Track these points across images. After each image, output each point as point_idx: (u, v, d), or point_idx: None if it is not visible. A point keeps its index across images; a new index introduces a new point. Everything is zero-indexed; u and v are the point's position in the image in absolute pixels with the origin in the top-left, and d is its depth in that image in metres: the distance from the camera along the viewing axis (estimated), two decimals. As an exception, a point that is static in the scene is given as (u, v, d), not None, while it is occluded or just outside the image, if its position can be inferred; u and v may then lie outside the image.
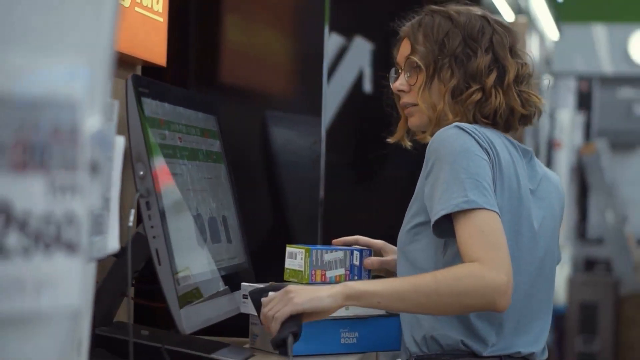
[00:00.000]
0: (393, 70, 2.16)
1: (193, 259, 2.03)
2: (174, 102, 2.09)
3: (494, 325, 1.97)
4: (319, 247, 2.24)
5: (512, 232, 1.95)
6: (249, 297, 2.04)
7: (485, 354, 1.97)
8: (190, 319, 1.95)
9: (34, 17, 0.95)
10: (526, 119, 2.09)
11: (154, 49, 2.35)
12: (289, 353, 1.89)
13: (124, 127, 1.85)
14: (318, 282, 2.18)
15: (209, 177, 2.20)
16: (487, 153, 1.94)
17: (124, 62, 2.24)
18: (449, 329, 1.97)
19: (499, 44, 2.07)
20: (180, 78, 2.54)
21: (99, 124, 1.03)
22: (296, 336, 1.89)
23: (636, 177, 8.52)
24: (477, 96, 2.03)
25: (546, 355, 2.08)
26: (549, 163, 6.85)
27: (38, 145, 0.93)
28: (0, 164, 0.90)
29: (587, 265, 7.91)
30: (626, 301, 7.37)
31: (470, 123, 1.99)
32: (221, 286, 2.15)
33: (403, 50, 2.12)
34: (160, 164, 1.94)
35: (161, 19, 2.36)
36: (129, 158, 1.89)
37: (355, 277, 2.22)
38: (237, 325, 2.25)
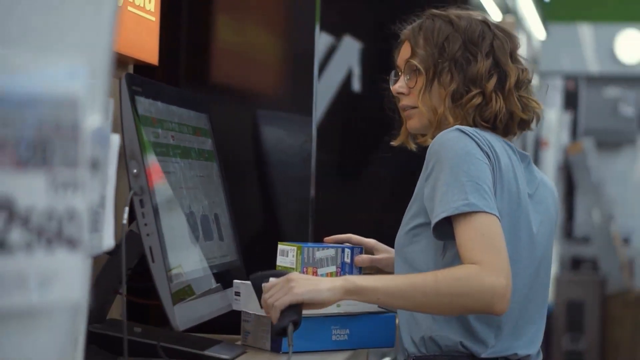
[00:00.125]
0: (393, 72, 2.17)
1: (186, 257, 2.05)
2: (167, 101, 2.10)
3: (492, 327, 1.98)
4: (310, 244, 2.25)
5: (511, 235, 1.97)
6: (250, 282, 2.06)
7: (483, 355, 1.98)
8: (183, 316, 1.96)
9: (35, 17, 0.96)
10: (525, 124, 2.11)
11: (146, 48, 2.36)
12: (289, 342, 1.91)
13: (117, 126, 1.86)
14: (311, 279, 2.20)
15: (201, 175, 2.22)
16: (488, 157, 1.95)
17: (116, 60, 2.25)
18: (448, 330, 1.98)
19: (500, 49, 2.08)
20: (171, 77, 2.55)
21: (99, 122, 1.05)
22: (296, 325, 1.92)
23: (622, 176, 8.55)
24: (478, 100, 2.04)
25: (541, 357, 2.10)
26: (536, 162, 6.87)
27: (40, 142, 0.95)
28: (2, 161, 0.91)
29: (573, 264, 7.94)
30: (612, 300, 7.40)
31: (471, 126, 2.00)
32: (213, 283, 2.17)
33: (403, 53, 2.14)
34: (153, 162, 1.95)
35: (153, 18, 2.37)
36: (122, 156, 1.90)
37: (347, 275, 2.24)
38: (229, 323, 2.27)
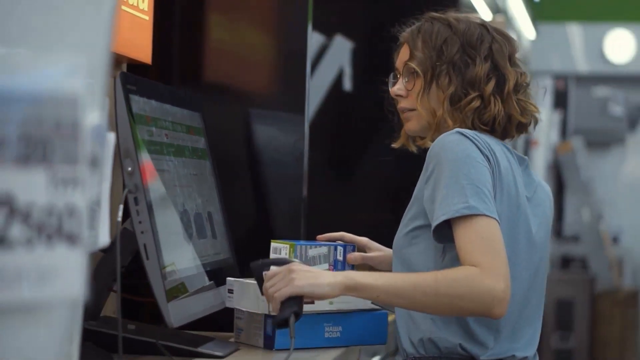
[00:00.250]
0: (392, 75, 2.18)
1: (179, 254, 2.06)
2: (161, 100, 2.11)
3: (491, 329, 1.99)
4: (303, 242, 2.27)
5: (510, 238, 1.97)
6: (251, 270, 2.08)
7: (482, 358, 1.99)
8: (177, 313, 1.97)
9: (34, 17, 0.98)
10: (523, 127, 2.11)
11: (140, 47, 2.37)
12: (291, 333, 1.93)
13: (111, 124, 1.88)
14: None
15: (195, 173, 2.23)
16: (488, 160, 1.96)
17: (110, 60, 2.26)
18: (447, 332, 1.99)
19: (499, 52, 2.08)
20: (165, 76, 2.56)
21: (98, 120, 1.06)
22: (297, 315, 1.94)
23: (611, 175, 8.58)
24: (476, 103, 2.05)
25: (537, 359, 2.11)
26: (525, 161, 6.87)
27: (40, 140, 0.96)
28: (4, 158, 0.93)
29: (563, 263, 7.96)
30: (601, 298, 7.43)
31: (470, 129, 2.01)
32: (206, 281, 2.18)
33: (402, 55, 2.14)
34: (147, 160, 1.97)
35: (147, 17, 2.38)
36: (117, 154, 1.91)
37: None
38: (222, 320, 2.28)
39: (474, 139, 1.95)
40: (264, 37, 2.64)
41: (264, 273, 1.99)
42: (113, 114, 1.92)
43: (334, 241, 2.29)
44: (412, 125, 2.13)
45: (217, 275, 2.22)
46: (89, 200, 1.03)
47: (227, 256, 2.34)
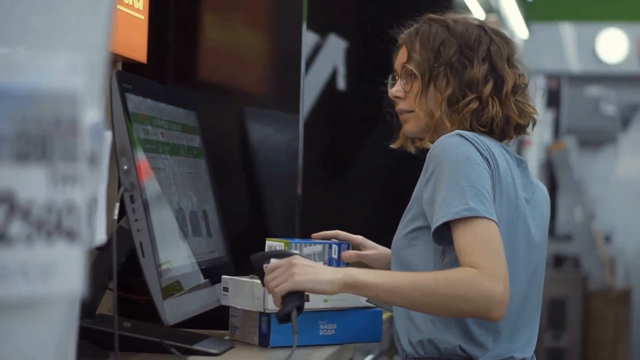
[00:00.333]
0: (391, 76, 2.18)
1: (175, 252, 2.07)
2: (157, 98, 2.12)
3: (490, 331, 2.00)
4: (298, 240, 2.27)
5: (510, 240, 1.98)
6: (252, 263, 2.09)
7: (482, 359, 2.00)
8: (173, 310, 1.98)
9: (35, 17, 0.99)
10: (521, 128, 2.12)
11: (135, 46, 2.38)
12: (294, 327, 1.94)
13: (107, 123, 1.88)
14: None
15: (190, 172, 2.24)
16: (488, 162, 1.96)
17: (105, 59, 2.26)
18: (446, 334, 2.00)
19: (497, 54, 2.08)
20: (160, 75, 2.57)
21: (96, 118, 1.07)
22: (299, 309, 1.95)
23: (604, 174, 8.60)
24: (474, 105, 2.05)
25: None
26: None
27: (40, 137, 0.97)
28: (4, 155, 0.94)
29: (556, 262, 7.98)
30: (594, 297, 7.44)
31: (468, 131, 2.01)
32: (201, 279, 2.19)
33: (400, 57, 2.15)
34: (143, 158, 1.98)
35: (142, 17, 2.39)
36: (112, 153, 1.92)
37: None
38: (217, 318, 2.29)
39: (474, 141, 1.96)
40: (258, 37, 2.65)
41: (264, 266, 2.00)
42: (109, 112, 1.93)
43: (329, 239, 2.30)
44: (410, 126, 2.14)
45: (212, 273, 2.23)
46: (87, 198, 1.04)
47: (222, 254, 2.35)
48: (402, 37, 2.17)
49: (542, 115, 7.79)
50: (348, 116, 3.71)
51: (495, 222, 1.91)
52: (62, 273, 1.00)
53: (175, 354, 2.00)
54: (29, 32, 0.98)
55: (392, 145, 2.22)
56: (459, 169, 1.92)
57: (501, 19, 6.19)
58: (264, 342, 2.17)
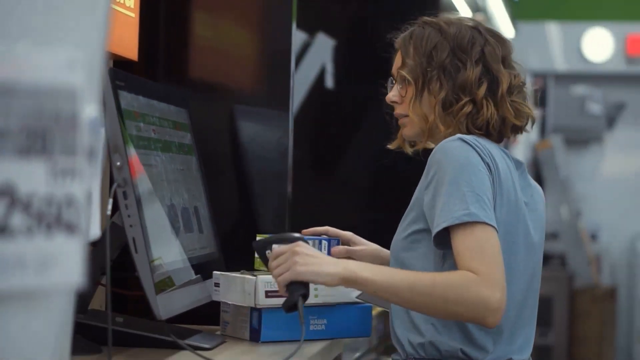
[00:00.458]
0: (389, 80, 2.19)
1: (167, 248, 2.09)
2: (148, 96, 2.14)
3: (490, 333, 2.00)
4: (288, 236, 2.29)
5: (510, 243, 1.99)
6: (254, 250, 2.11)
7: None
8: (165, 305, 2.00)
9: (35, 15, 1.01)
10: (518, 129, 2.12)
11: (126, 43, 2.40)
12: (301, 317, 1.96)
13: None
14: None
15: (182, 168, 2.26)
16: (489, 167, 1.96)
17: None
18: (448, 337, 2.00)
19: (491, 55, 2.08)
20: (150, 72, 2.59)
21: (94, 113, 1.09)
22: (305, 297, 1.97)
23: (590, 173, 8.64)
24: (468, 108, 2.05)
25: None
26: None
27: (40, 132, 0.99)
28: (5, 149, 0.95)
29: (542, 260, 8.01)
30: (580, 295, 7.48)
31: (464, 134, 2.01)
32: (193, 275, 2.20)
33: (396, 62, 2.16)
34: (136, 155, 1.99)
35: (133, 15, 2.41)
36: (105, 149, 1.93)
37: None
38: (208, 313, 2.31)
39: (475, 146, 1.96)
40: (248, 35, 2.66)
41: (267, 252, 2.02)
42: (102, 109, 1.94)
43: (319, 235, 2.32)
44: (407, 131, 2.15)
45: (203, 268, 2.25)
46: (87, 191, 1.06)
47: (214, 250, 2.37)
48: (397, 41, 2.17)
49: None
50: (336, 114, 3.73)
51: (495, 228, 1.91)
52: (61, 265, 1.02)
53: (172, 341, 2.01)
54: (29, 31, 1.00)
55: (390, 146, 2.22)
56: (460, 173, 1.93)
57: (488, 18, 6.21)
58: (254, 337, 2.19)
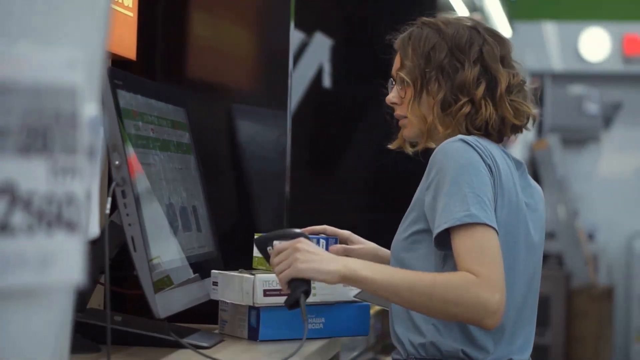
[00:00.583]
0: (390, 81, 2.19)
1: (165, 247, 2.09)
2: (147, 95, 2.14)
3: (491, 334, 2.01)
4: (286, 235, 2.29)
5: (511, 244, 1.99)
6: (255, 246, 2.12)
7: None
8: (163, 304, 2.01)
9: (35, 15, 1.01)
10: (518, 128, 2.11)
11: (124, 43, 2.40)
12: (303, 314, 1.96)
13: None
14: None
15: (180, 167, 2.26)
16: (490, 169, 1.96)
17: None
18: (449, 338, 2.01)
19: (489, 54, 2.07)
20: (148, 72, 2.59)
21: (95, 112, 1.10)
22: (307, 293, 1.97)
23: (587, 172, 8.65)
24: (467, 109, 2.05)
25: None
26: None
27: (41, 130, 0.99)
28: (6, 147, 0.96)
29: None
30: (577, 294, 7.49)
31: (464, 135, 2.01)
32: (191, 273, 2.21)
33: (396, 63, 2.16)
34: (134, 154, 2.00)
35: (131, 14, 2.41)
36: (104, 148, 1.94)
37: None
38: (206, 312, 2.31)
39: (476, 147, 1.96)
40: (246, 34, 2.67)
41: (268, 248, 2.03)
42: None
43: (317, 234, 2.32)
44: (407, 132, 2.15)
45: (202, 267, 2.25)
46: (87, 189, 1.06)
47: (212, 249, 2.38)
48: (396, 42, 2.17)
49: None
50: (334, 114, 3.73)
51: (495, 230, 1.91)
52: (61, 263, 1.02)
53: (171, 340, 2.02)
54: (30, 30, 1.01)
55: (390, 146, 2.22)
56: (461, 174, 1.93)
57: (485, 18, 6.22)
58: (253, 335, 2.19)
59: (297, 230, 2.07)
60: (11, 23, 0.99)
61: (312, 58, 3.79)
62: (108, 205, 1.87)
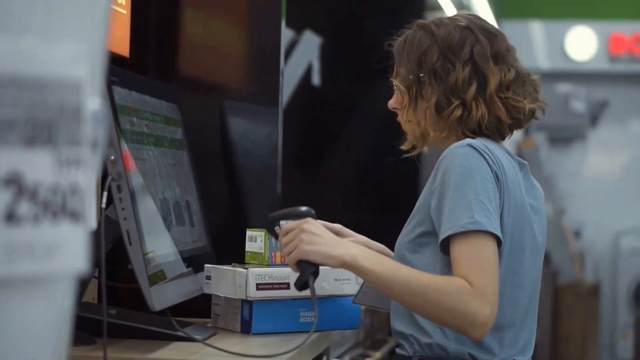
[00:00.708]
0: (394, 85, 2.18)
1: (159, 241, 2.11)
2: (141, 91, 2.17)
3: (495, 336, 2.01)
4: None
5: (517, 249, 1.99)
6: (264, 227, 2.15)
7: None
8: (158, 297, 2.03)
9: (37, 13, 1.04)
10: (516, 125, 2.10)
11: (117, 40, 2.43)
12: (313, 297, 2.00)
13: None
14: (278, 264, 2.27)
15: (173, 163, 2.29)
16: (497, 175, 1.95)
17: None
18: (455, 340, 2.01)
19: (480, 53, 2.05)
20: (141, 68, 2.62)
21: (97, 105, 1.12)
22: (315, 274, 2.01)
23: (573, 170, 8.69)
24: (458, 112, 2.04)
25: None
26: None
27: (46, 123, 1.02)
28: (12, 139, 0.99)
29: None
30: (563, 291, 7.53)
31: (460, 138, 2.02)
32: (184, 268, 2.23)
33: (395, 69, 2.16)
34: (129, 149, 2.02)
35: (124, 12, 2.44)
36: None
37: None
38: (199, 306, 2.34)
39: (483, 152, 1.95)
40: (238, 32, 2.69)
41: (276, 228, 2.06)
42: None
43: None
44: (409, 136, 2.15)
45: (195, 262, 2.28)
46: (90, 180, 1.09)
47: (205, 244, 2.40)
48: (394, 48, 2.16)
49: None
50: (324, 111, 3.76)
51: (499, 238, 1.92)
52: (66, 252, 1.05)
53: (165, 333, 2.04)
54: (34, 26, 1.03)
55: (403, 147, 2.19)
56: (466, 180, 1.92)
57: (472, 17, 6.25)
58: (245, 329, 2.22)
59: (304, 209, 2.08)
60: (16, 19, 1.02)
61: (302, 56, 3.81)
62: (104, 199, 1.90)
